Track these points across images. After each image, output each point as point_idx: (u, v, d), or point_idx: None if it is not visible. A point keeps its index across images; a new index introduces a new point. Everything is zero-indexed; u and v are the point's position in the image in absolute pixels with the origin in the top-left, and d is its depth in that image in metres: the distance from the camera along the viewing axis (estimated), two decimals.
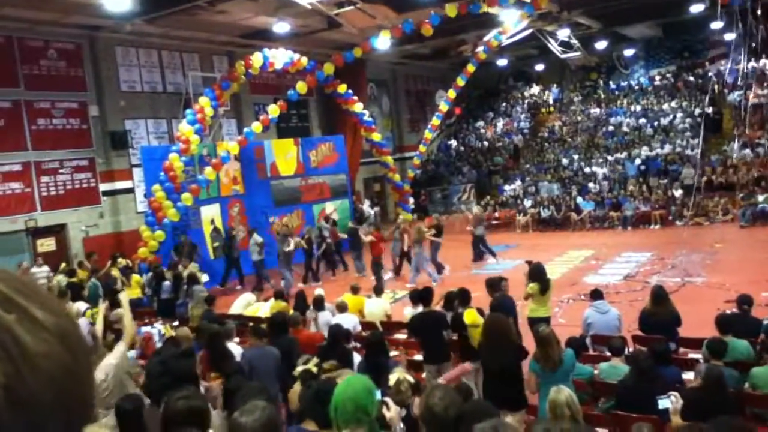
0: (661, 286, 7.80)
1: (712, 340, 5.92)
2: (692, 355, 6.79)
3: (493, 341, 5.50)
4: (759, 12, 16.87)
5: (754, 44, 20.69)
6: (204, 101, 15.79)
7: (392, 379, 4.36)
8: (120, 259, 14.18)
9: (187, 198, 15.05)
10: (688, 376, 5.89)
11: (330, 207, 20.31)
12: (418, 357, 7.49)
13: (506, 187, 24.64)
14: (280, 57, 17.13)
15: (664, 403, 4.32)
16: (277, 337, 6.85)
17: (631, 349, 6.77)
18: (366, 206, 23.40)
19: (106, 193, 16.93)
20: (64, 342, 0.52)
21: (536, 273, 8.23)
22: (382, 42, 18.40)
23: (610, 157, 24.02)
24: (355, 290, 9.85)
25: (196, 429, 3.05)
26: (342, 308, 8.70)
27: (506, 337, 5.53)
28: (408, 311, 9.04)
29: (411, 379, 4.45)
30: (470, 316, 6.83)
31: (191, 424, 3.07)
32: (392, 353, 6.92)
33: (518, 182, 24.68)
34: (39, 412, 0.48)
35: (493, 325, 5.68)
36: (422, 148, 23.69)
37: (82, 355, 0.55)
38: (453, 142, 30.14)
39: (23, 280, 0.55)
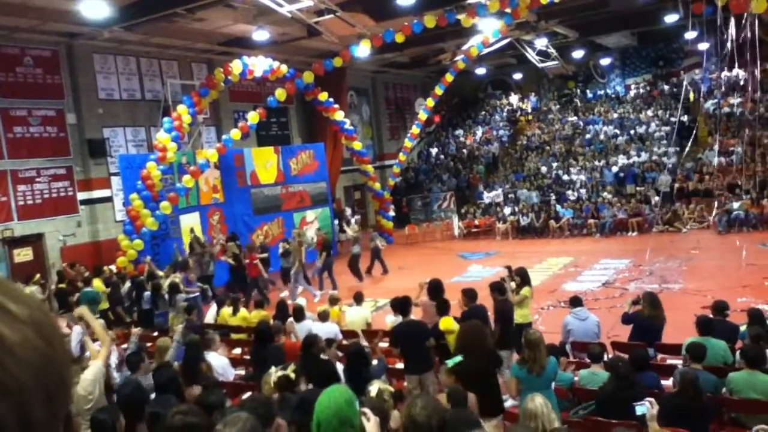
0: (653, 293, 7.95)
1: (692, 343, 6.01)
2: (671, 361, 6.88)
3: (467, 347, 5.53)
4: (732, 21, 17.17)
5: (726, 54, 21.06)
6: (182, 109, 15.70)
7: (373, 390, 4.36)
8: (105, 268, 13.95)
9: (165, 206, 14.94)
10: (667, 382, 5.97)
11: (311, 215, 20.28)
12: (399, 365, 7.50)
13: (486, 194, 24.76)
14: (259, 64, 17.09)
15: (640, 409, 4.36)
16: (263, 346, 6.84)
17: (610, 356, 6.83)
18: (347, 213, 23.43)
19: (84, 202, 16.74)
20: (38, 331, 0.56)
21: (527, 277, 8.37)
22: (362, 51, 18.46)
23: (588, 164, 24.28)
24: (333, 301, 9.83)
25: None
26: (323, 317, 8.69)
27: (480, 343, 5.57)
28: (390, 319, 9.05)
29: (391, 389, 4.46)
30: (446, 323, 6.87)
31: None
32: (374, 362, 6.93)
33: (497, 190, 24.81)
34: (22, 395, 0.52)
35: (467, 332, 5.72)
36: (402, 156, 23.75)
37: (56, 341, 0.58)
38: (433, 150, 30.28)
39: None
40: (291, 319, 8.85)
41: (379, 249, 16.55)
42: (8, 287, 0.58)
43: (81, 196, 16.68)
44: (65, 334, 8.13)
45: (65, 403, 0.59)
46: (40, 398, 0.54)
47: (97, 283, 12.62)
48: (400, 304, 7.81)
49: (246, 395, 6.79)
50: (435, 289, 7.97)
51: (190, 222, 16.79)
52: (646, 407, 4.32)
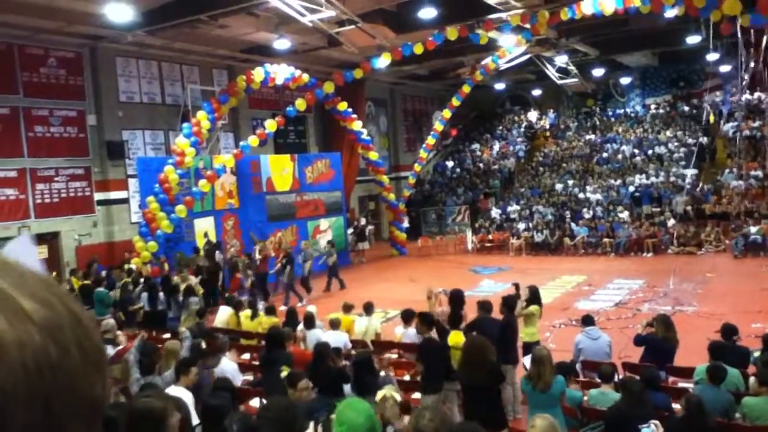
0: (666, 315, 7.88)
1: (713, 366, 5.93)
2: (682, 384, 6.79)
3: (470, 361, 5.50)
4: (754, 43, 17.07)
5: (747, 76, 20.95)
6: (201, 114, 15.83)
7: (379, 395, 4.35)
8: (126, 266, 14.08)
9: (181, 210, 15.04)
10: (678, 405, 5.89)
11: (324, 224, 20.33)
12: (407, 377, 7.48)
13: (495, 211, 24.65)
14: (281, 72, 17.21)
15: (646, 431, 4.31)
16: (273, 352, 6.85)
17: (620, 376, 6.77)
18: (363, 223, 23.47)
19: (100, 203, 16.90)
20: (51, 335, 0.52)
21: (537, 296, 8.32)
22: (382, 63, 18.55)
23: (604, 183, 24.16)
24: (347, 309, 9.82)
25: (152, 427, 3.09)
26: (334, 325, 8.68)
27: (483, 357, 5.54)
28: (399, 330, 9.03)
29: (398, 397, 4.44)
30: (455, 338, 6.83)
31: (149, 422, 3.10)
32: (382, 373, 6.90)
33: (513, 206, 24.73)
34: (3, 398, 0.49)
35: (471, 345, 5.69)
36: (417, 167, 23.76)
37: (79, 352, 0.54)
38: (449, 164, 30.27)
39: (20, 271, 0.55)
40: (301, 326, 8.86)
41: (335, 264, 16.56)
42: (32, 283, 0.55)
43: (98, 196, 16.84)
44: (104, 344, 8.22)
45: (78, 411, 0.55)
46: (29, 403, 0.50)
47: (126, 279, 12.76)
48: (410, 315, 7.82)
49: (254, 400, 6.80)
50: (456, 299, 7.94)
51: (204, 226, 16.88)
52: (651, 429, 4.27)
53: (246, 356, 8.98)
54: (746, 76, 19.86)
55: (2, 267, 0.55)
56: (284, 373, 5.28)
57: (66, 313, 0.55)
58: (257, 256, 15.33)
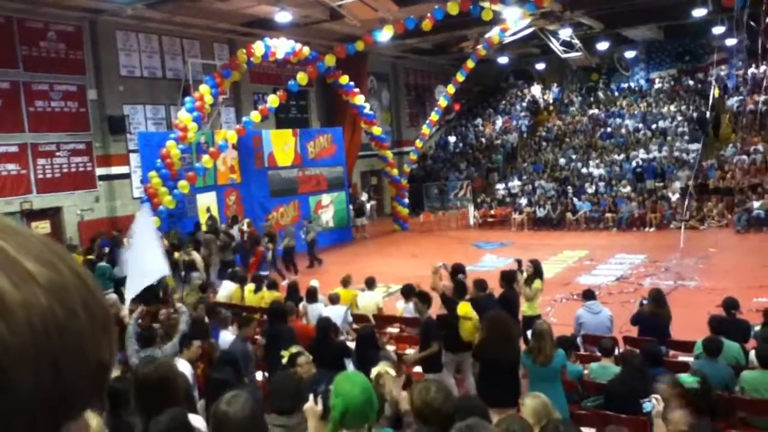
0: (660, 290, 7.89)
1: (708, 339, 5.98)
2: (682, 358, 6.83)
3: (496, 338, 5.51)
4: (763, 16, 16.84)
5: (755, 50, 20.72)
6: (204, 89, 15.73)
7: (373, 371, 4.38)
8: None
9: (183, 186, 15.02)
10: None
11: (326, 199, 20.32)
12: (410, 351, 7.52)
13: (499, 186, 24.63)
14: (281, 46, 17.07)
15: (647, 405, 4.34)
16: (276, 326, 6.89)
17: (621, 350, 6.80)
18: (364, 199, 23.45)
19: (102, 178, 16.89)
20: (57, 297, 0.52)
21: (539, 270, 8.34)
22: (385, 36, 18.37)
23: (607, 158, 24.06)
24: (345, 283, 9.84)
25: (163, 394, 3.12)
26: (333, 300, 8.71)
27: (510, 336, 5.58)
28: (400, 305, 9.08)
29: (393, 372, 4.46)
30: (463, 308, 6.85)
31: (159, 387, 3.15)
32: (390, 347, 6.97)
33: (513, 182, 24.66)
34: (10, 358, 0.49)
35: (496, 323, 5.68)
36: (419, 143, 23.67)
37: (85, 314, 0.54)
38: (452, 139, 30.14)
39: (24, 234, 0.55)
40: (304, 302, 8.90)
41: (313, 242, 16.54)
42: (35, 245, 0.54)
43: (99, 171, 16.83)
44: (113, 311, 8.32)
45: (86, 373, 0.55)
46: (36, 365, 0.50)
47: None
48: (407, 291, 7.89)
49: (257, 374, 6.86)
50: (458, 273, 7.99)
51: (207, 201, 16.88)
52: (653, 404, 4.29)
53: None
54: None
55: (5, 230, 0.54)
56: (285, 359, 5.32)
57: (71, 275, 0.55)
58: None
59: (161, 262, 7.61)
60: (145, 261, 7.43)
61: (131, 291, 7.45)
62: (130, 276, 7.55)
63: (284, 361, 5.35)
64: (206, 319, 7.27)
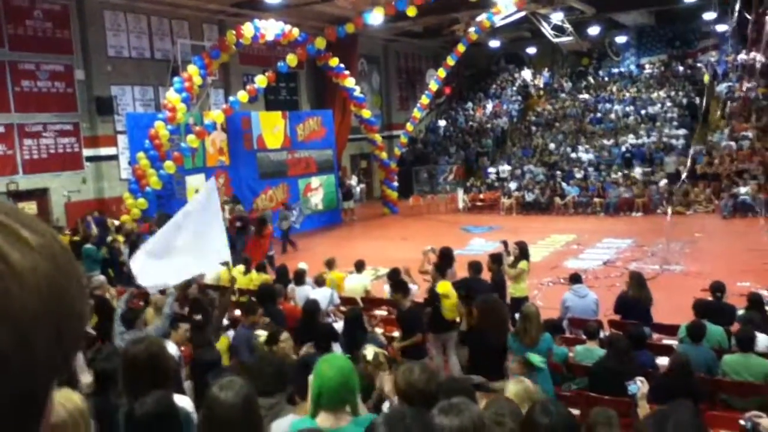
0: (640, 272, 7.97)
1: (691, 323, 6.06)
2: (666, 341, 6.91)
3: (489, 323, 5.55)
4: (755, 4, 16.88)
5: (745, 35, 20.79)
6: (193, 70, 15.60)
7: (369, 353, 4.40)
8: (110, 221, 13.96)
9: (169, 166, 14.93)
10: (662, 361, 6.01)
11: (316, 182, 20.28)
12: (396, 333, 7.56)
13: (491, 170, 24.68)
14: (271, 28, 16.93)
15: (632, 388, 4.40)
16: (265, 308, 6.90)
17: (606, 333, 6.87)
18: (353, 182, 23.42)
19: (89, 159, 16.76)
20: (51, 260, 0.55)
21: (525, 251, 8.40)
22: (375, 18, 18.25)
23: (596, 143, 24.12)
24: (329, 265, 9.84)
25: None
26: (320, 283, 8.74)
27: (503, 320, 5.63)
28: (388, 288, 9.10)
29: (370, 355, 4.49)
30: (443, 287, 6.88)
31: (149, 366, 3.15)
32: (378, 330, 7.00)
33: (503, 165, 24.68)
34: (24, 321, 0.51)
35: (488, 308, 5.72)
36: (409, 126, 23.61)
37: (72, 274, 0.58)
38: (442, 123, 30.09)
39: (10, 206, 0.58)
40: (292, 285, 8.92)
41: (288, 229, 16.52)
42: (23, 216, 0.57)
43: (87, 152, 16.70)
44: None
45: (77, 338, 0.59)
46: (45, 327, 0.53)
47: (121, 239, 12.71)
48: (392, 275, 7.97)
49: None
50: (446, 257, 8.02)
51: (196, 183, 16.79)
52: (637, 386, 4.35)
53: (238, 312, 9.03)
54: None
55: (6, 208, 0.57)
56: (262, 338, 5.33)
57: (55, 242, 0.58)
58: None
59: (223, 246, 6.69)
60: (204, 242, 6.47)
61: (179, 274, 6.53)
62: (178, 256, 6.42)
63: (261, 339, 5.35)
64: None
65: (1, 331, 0.50)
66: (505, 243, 8.98)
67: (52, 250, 0.56)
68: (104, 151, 17.02)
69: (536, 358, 4.80)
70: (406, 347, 6.57)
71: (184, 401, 3.54)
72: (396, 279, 7.57)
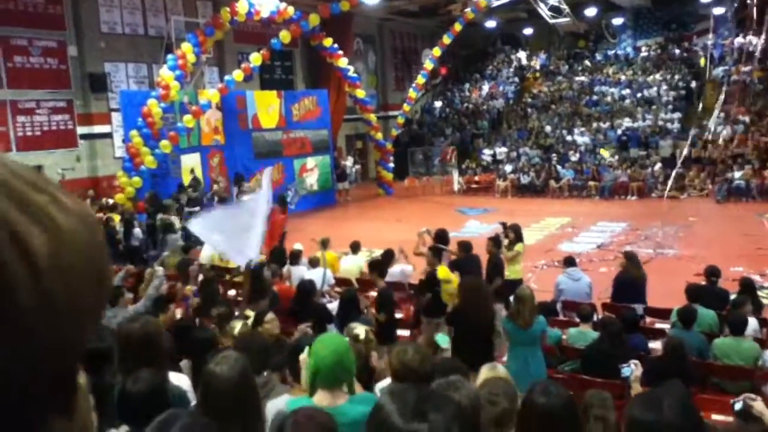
0: (633, 252, 8.07)
1: (683, 308, 6.10)
2: (659, 325, 6.97)
3: (472, 304, 5.56)
4: None
5: (742, 19, 20.72)
6: (186, 47, 15.45)
7: (361, 331, 4.41)
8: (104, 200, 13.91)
9: (165, 145, 14.85)
10: (654, 345, 6.06)
11: (311, 162, 20.22)
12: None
13: (486, 151, 24.66)
14: (266, 5, 16.77)
15: (626, 371, 4.43)
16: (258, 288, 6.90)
17: (599, 316, 6.92)
18: (348, 163, 23.35)
19: (83, 137, 16.65)
20: (85, 224, 0.57)
21: (520, 234, 8.43)
22: None
23: (592, 126, 24.09)
24: (324, 244, 9.81)
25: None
26: (314, 263, 8.74)
27: (485, 300, 5.63)
28: None
29: (362, 334, 4.51)
30: (443, 272, 6.91)
31: (145, 344, 3.16)
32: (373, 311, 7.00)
33: (500, 147, 24.66)
34: (75, 280, 0.54)
35: (469, 288, 5.74)
36: (406, 107, 23.52)
37: (101, 237, 0.60)
38: (438, 103, 29.97)
39: (41, 174, 0.60)
40: (288, 266, 8.92)
41: None
42: (53, 182, 0.59)
43: (81, 130, 16.58)
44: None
45: (107, 293, 0.62)
46: (89, 286, 0.56)
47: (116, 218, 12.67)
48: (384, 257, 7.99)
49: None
50: (441, 238, 8.03)
51: (191, 163, 16.73)
52: (631, 368, 4.38)
53: (232, 292, 9.05)
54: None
55: (21, 167, 0.58)
56: (250, 320, 5.34)
57: (84, 206, 0.60)
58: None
59: (256, 243, 6.76)
60: (245, 237, 6.53)
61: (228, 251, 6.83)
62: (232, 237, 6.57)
63: (250, 321, 5.37)
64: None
65: (57, 288, 0.52)
66: (503, 224, 9.01)
67: (84, 213, 0.58)
68: (98, 128, 16.90)
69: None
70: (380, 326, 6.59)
71: (181, 380, 3.56)
72: (375, 260, 7.61)
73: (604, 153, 21.63)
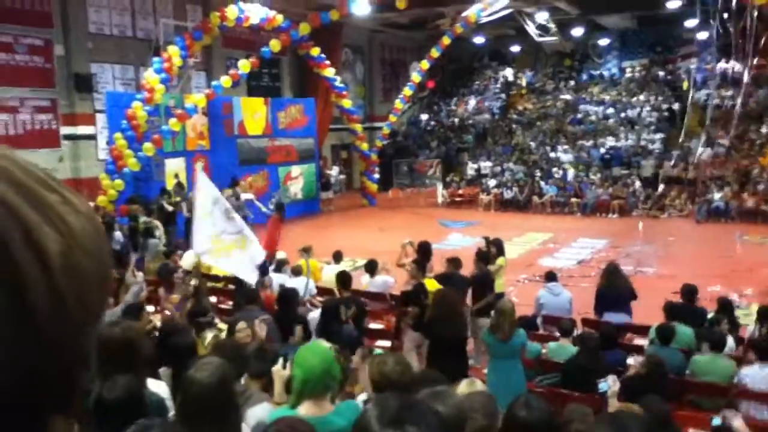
0: (614, 263, 8.17)
1: (661, 325, 6.16)
2: (638, 341, 7.02)
3: (443, 314, 5.58)
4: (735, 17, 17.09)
5: (726, 44, 21.08)
6: (173, 50, 15.40)
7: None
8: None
9: (148, 148, 14.76)
10: (631, 360, 6.11)
11: (296, 170, 20.19)
12: (372, 326, 7.60)
13: (471, 165, 24.79)
14: (255, 12, 16.78)
15: (603, 386, 4.47)
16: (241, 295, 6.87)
17: (579, 331, 6.96)
18: (333, 172, 23.35)
19: (67, 137, 16.48)
20: (93, 224, 0.58)
21: (502, 248, 8.48)
22: (360, 7, 18.16)
23: (576, 144, 24.32)
24: (306, 251, 9.78)
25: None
26: (296, 272, 8.71)
27: (457, 311, 5.65)
28: (365, 280, 9.12)
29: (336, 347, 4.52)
30: (432, 284, 6.94)
31: (125, 350, 3.11)
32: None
33: (484, 162, 24.78)
34: (85, 280, 0.55)
35: (443, 299, 5.76)
36: (392, 117, 23.60)
37: (104, 237, 0.61)
38: (424, 116, 30.09)
39: (50, 173, 0.61)
40: (270, 274, 8.87)
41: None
42: (60, 182, 0.60)
43: (64, 130, 16.41)
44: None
45: (108, 294, 0.63)
46: (96, 287, 0.56)
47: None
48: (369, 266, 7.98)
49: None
50: (424, 251, 8.05)
51: (175, 167, 16.62)
52: (608, 384, 4.42)
53: (213, 299, 8.98)
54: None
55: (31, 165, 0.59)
56: (224, 333, 5.32)
57: (89, 206, 0.61)
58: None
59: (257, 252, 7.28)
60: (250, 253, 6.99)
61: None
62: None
63: (223, 334, 5.37)
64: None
65: (67, 289, 0.52)
66: (486, 239, 9.05)
67: (90, 213, 0.59)
68: (82, 129, 16.74)
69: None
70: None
71: (160, 387, 3.52)
72: (342, 272, 7.62)
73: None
